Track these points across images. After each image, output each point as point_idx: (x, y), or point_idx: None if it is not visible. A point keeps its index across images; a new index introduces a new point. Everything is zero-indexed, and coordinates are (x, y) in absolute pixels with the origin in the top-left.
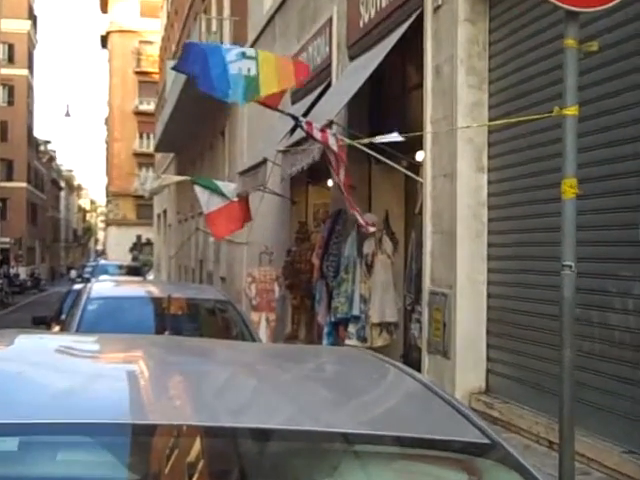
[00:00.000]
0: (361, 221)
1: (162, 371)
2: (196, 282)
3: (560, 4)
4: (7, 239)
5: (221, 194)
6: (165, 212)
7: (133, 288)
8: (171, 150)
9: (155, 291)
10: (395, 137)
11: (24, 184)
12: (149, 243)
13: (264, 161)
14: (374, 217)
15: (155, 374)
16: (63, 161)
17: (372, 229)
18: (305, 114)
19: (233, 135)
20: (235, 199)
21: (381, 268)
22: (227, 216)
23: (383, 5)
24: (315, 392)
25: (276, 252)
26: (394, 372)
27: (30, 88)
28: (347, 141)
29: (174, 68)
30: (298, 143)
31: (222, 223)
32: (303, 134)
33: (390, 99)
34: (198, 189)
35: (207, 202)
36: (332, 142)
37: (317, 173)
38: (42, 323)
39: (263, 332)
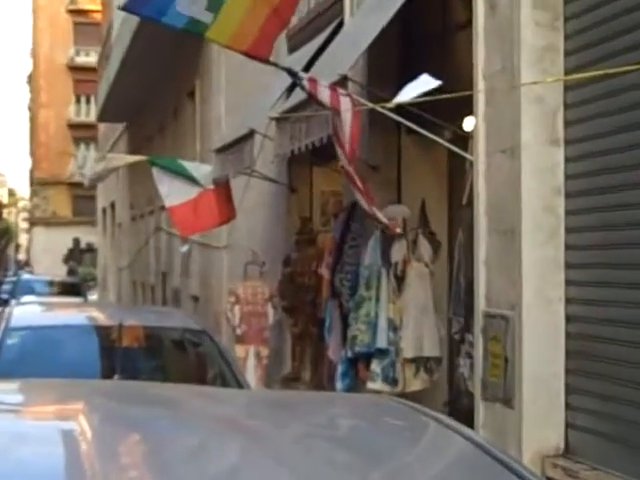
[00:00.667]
0: (382, 219)
1: (110, 432)
2: (158, 304)
3: None
4: None
5: (190, 180)
6: (113, 206)
7: (69, 314)
8: (120, 120)
9: (100, 317)
10: (427, 83)
11: None
12: (91, 249)
13: (251, 134)
14: (404, 210)
15: (100, 436)
16: None
17: (398, 230)
18: (307, 67)
19: (206, 98)
20: (210, 187)
21: (416, 282)
22: (199, 210)
23: None
24: (325, 461)
25: (269, 261)
26: (436, 429)
27: None
28: (367, 104)
29: (124, 8)
30: (298, 107)
31: (190, 218)
32: (304, 95)
33: (426, 45)
34: (157, 173)
35: (169, 191)
36: (345, 106)
37: (325, 150)
38: None
39: (252, 373)
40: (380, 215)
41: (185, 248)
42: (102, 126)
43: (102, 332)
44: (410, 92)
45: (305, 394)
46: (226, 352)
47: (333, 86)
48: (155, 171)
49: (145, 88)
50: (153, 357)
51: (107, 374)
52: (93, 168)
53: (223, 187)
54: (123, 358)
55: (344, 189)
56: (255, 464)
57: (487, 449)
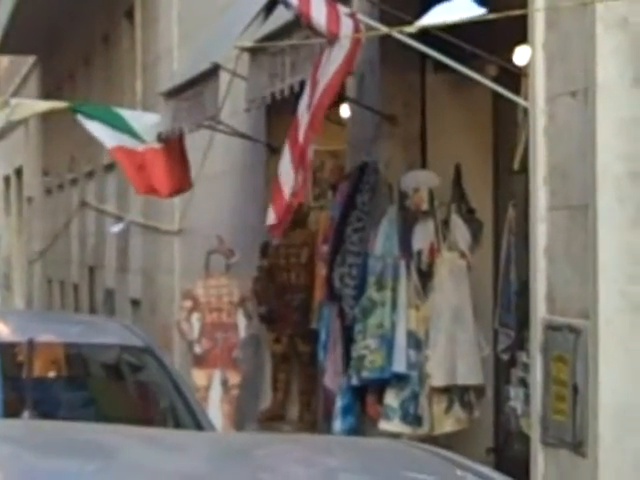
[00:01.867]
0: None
1: None
2: (83, 311)
3: None
4: None
5: (130, 134)
6: (19, 173)
7: None
8: (29, 51)
9: (3, 330)
10: (466, 8)
11: None
12: None
13: (214, 70)
14: (430, 178)
15: None
16: None
17: (423, 206)
18: None
19: (151, 20)
20: (156, 145)
21: (449, 279)
22: (147, 169)
23: None
24: None
25: (240, 249)
26: None
27: None
28: (380, 28)
29: None
30: (281, 33)
31: (142, 172)
32: (289, 16)
33: None
34: (88, 124)
35: (110, 136)
36: (346, 30)
37: None
38: None
39: (216, 407)
40: (286, 199)
41: (118, 227)
42: (3, 60)
43: (4, 352)
44: (441, 15)
45: (292, 438)
46: (180, 379)
47: (332, 1)
48: (83, 121)
49: (64, 6)
50: (77, 386)
51: (12, 410)
52: None
53: (175, 146)
54: (35, 388)
55: (348, 147)
56: None
57: None
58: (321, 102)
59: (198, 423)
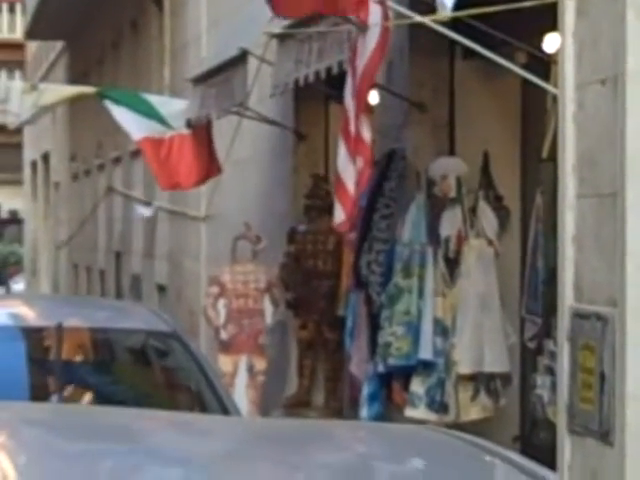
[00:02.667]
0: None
1: (44, 477)
2: (109, 296)
3: None
4: None
5: (157, 120)
6: (46, 158)
7: None
8: (57, 37)
9: (30, 315)
10: None
11: None
12: (15, 220)
13: (242, 56)
14: (459, 165)
15: None
16: None
17: (451, 194)
18: None
19: (180, 7)
20: (184, 131)
21: (476, 266)
22: (172, 159)
23: None
24: None
25: (267, 236)
26: (505, 472)
27: None
28: (410, 15)
29: None
30: (309, 20)
31: (168, 165)
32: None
33: None
34: (115, 110)
35: (136, 124)
36: (375, 19)
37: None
38: None
39: (242, 393)
40: (350, 193)
41: (147, 211)
42: (32, 46)
43: (32, 336)
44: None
45: (321, 424)
46: (206, 364)
47: None
48: (110, 106)
49: None
50: (104, 371)
51: (40, 394)
52: (22, 103)
53: (202, 132)
54: (63, 372)
55: (376, 134)
56: None
57: None
58: (361, 89)
59: (225, 408)
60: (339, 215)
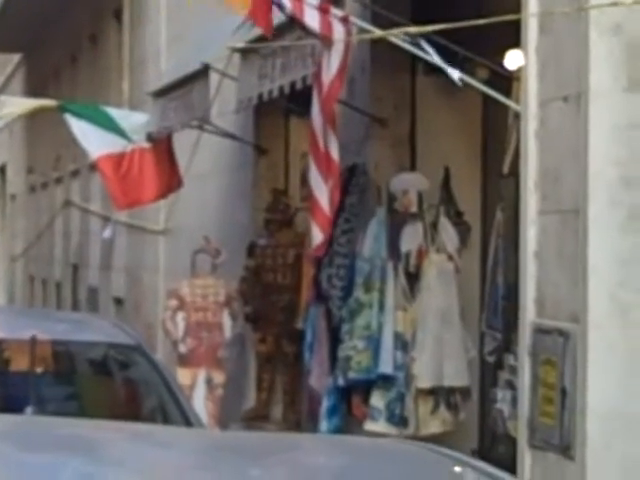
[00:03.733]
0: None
1: None
2: (65, 309)
3: None
4: None
5: (118, 133)
6: (3, 171)
7: None
8: (14, 49)
9: None
10: None
11: None
12: None
13: (204, 71)
14: (419, 181)
15: None
16: None
17: (412, 209)
18: None
19: (140, 20)
20: (143, 144)
21: (436, 281)
22: (132, 173)
23: None
24: None
25: (227, 249)
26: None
27: None
28: (373, 31)
29: None
30: (273, 34)
31: (125, 182)
32: (281, 18)
33: None
34: (74, 123)
35: (95, 141)
36: (339, 34)
37: (308, 95)
38: None
39: (201, 407)
40: (325, 210)
41: (108, 232)
42: None
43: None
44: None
45: (285, 437)
46: (170, 377)
47: (325, 4)
48: (69, 120)
49: (50, 4)
50: (68, 384)
51: (14, 406)
52: None
53: (163, 145)
54: (34, 385)
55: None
56: None
57: None
58: (328, 105)
59: (188, 421)
60: (317, 237)
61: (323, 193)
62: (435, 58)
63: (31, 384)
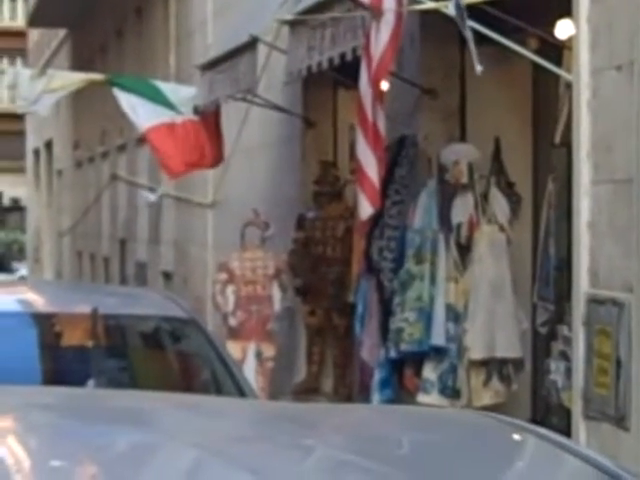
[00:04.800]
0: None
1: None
2: (113, 284)
3: None
4: None
5: (166, 106)
6: (49, 146)
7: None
8: (60, 24)
9: (43, 302)
10: None
11: None
12: (17, 207)
13: (252, 43)
14: (470, 152)
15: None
16: None
17: (462, 180)
18: None
19: None
20: (192, 117)
21: (488, 253)
22: (179, 141)
23: None
24: None
25: (275, 222)
26: (541, 448)
27: None
28: (424, 2)
29: None
30: (322, 6)
31: (177, 149)
32: None
33: None
34: (123, 97)
35: (144, 113)
36: (388, 4)
37: (357, 67)
38: None
39: (251, 379)
40: (374, 181)
41: (153, 196)
42: (34, 33)
43: (52, 323)
44: None
45: (346, 408)
46: (223, 350)
47: None
48: (117, 94)
49: None
50: (122, 358)
51: (54, 382)
52: (29, 89)
53: (211, 119)
54: (95, 359)
55: (387, 121)
56: None
57: (616, 474)
58: (377, 77)
59: (243, 393)
60: (366, 210)
61: (372, 166)
62: (468, 34)
63: (91, 358)
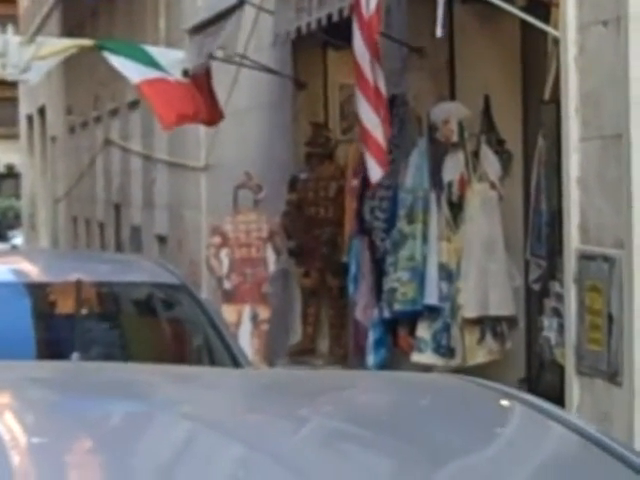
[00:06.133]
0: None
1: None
2: (109, 248)
3: None
4: None
5: (157, 68)
6: (42, 112)
7: None
8: None
9: (39, 270)
10: None
11: None
12: (12, 174)
13: (239, 4)
14: (460, 110)
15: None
16: None
17: (453, 138)
18: None
19: None
20: (181, 79)
21: (480, 210)
22: (174, 95)
23: None
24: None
25: (268, 184)
26: (527, 416)
27: None
28: None
29: None
30: None
31: (170, 101)
32: None
33: None
34: (113, 58)
35: (136, 71)
36: None
37: (346, 27)
38: None
39: (246, 343)
40: (381, 143)
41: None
42: (24, 0)
43: (44, 292)
44: None
45: (335, 374)
46: (216, 316)
47: None
48: (109, 57)
49: None
50: (113, 325)
51: (49, 351)
52: (20, 55)
53: (202, 81)
54: (82, 329)
55: None
56: None
57: (599, 440)
58: (372, 37)
59: (235, 359)
60: (375, 171)
61: (377, 126)
62: None
63: (77, 328)
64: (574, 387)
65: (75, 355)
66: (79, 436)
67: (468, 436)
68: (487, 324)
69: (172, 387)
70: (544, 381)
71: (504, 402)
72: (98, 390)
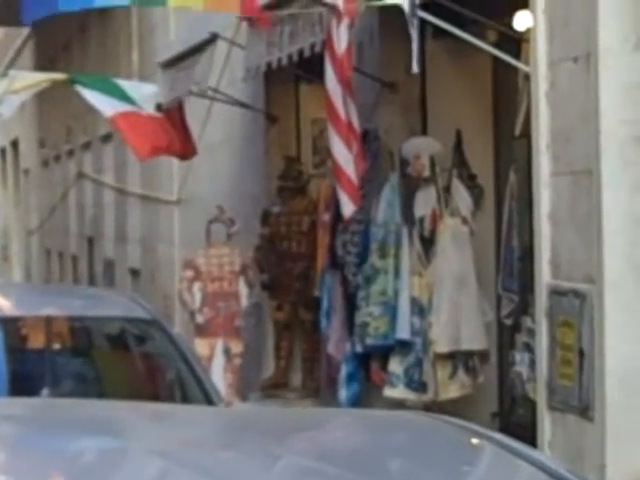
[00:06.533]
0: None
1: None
2: (82, 282)
3: None
4: None
5: (129, 103)
6: (15, 145)
7: None
8: (22, 23)
9: (10, 304)
10: None
11: None
12: None
13: (212, 39)
14: (431, 145)
15: None
16: None
17: (425, 173)
18: None
19: None
20: (154, 113)
21: (451, 245)
22: (147, 128)
23: None
24: None
25: (241, 218)
26: (495, 455)
27: None
28: None
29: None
30: (280, 3)
31: (144, 134)
32: None
33: None
34: (86, 93)
35: (108, 105)
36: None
37: (318, 62)
38: None
39: (219, 377)
40: (353, 179)
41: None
42: None
43: (15, 326)
44: None
45: (306, 412)
46: (187, 350)
47: None
48: (81, 91)
49: None
50: (85, 360)
51: (17, 386)
52: None
53: (175, 115)
54: (53, 364)
55: None
56: None
57: (558, 475)
58: (344, 72)
59: (207, 394)
60: (348, 207)
61: (349, 162)
62: (413, 33)
63: (47, 363)
64: (546, 422)
65: (45, 391)
66: (48, 474)
67: (436, 475)
68: (459, 359)
69: (144, 424)
70: (516, 415)
71: (473, 440)
72: (67, 427)
